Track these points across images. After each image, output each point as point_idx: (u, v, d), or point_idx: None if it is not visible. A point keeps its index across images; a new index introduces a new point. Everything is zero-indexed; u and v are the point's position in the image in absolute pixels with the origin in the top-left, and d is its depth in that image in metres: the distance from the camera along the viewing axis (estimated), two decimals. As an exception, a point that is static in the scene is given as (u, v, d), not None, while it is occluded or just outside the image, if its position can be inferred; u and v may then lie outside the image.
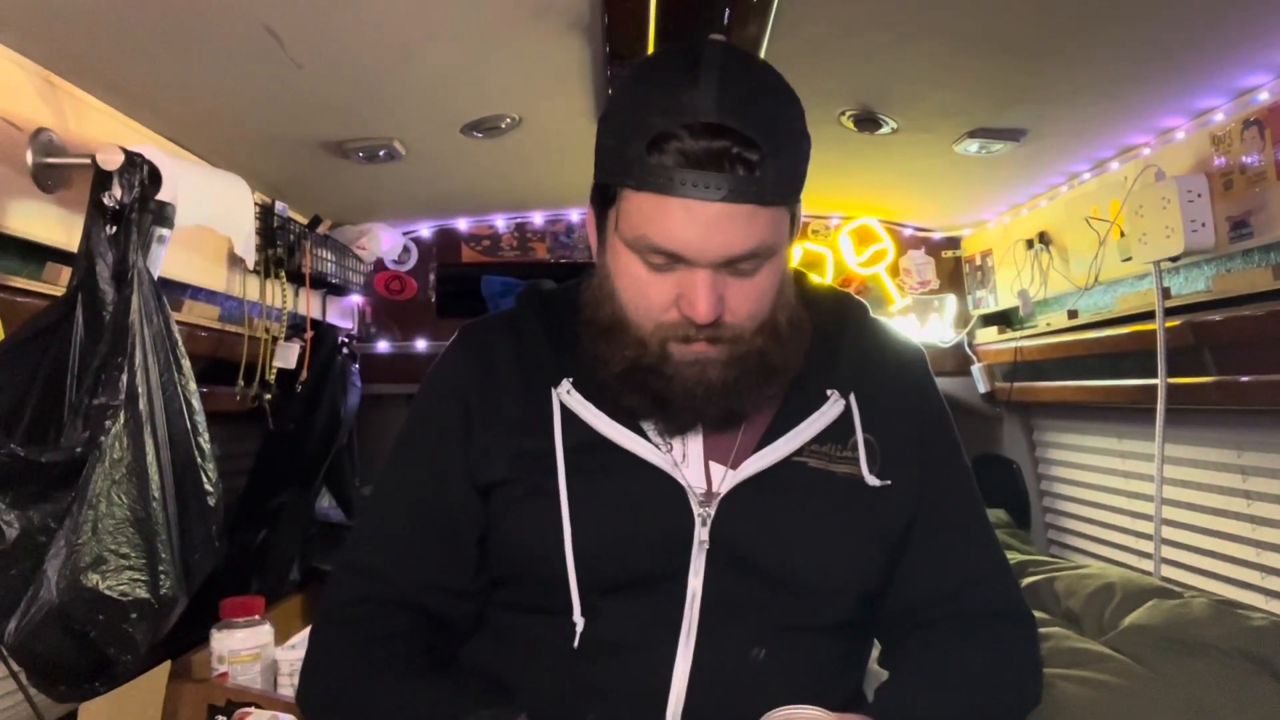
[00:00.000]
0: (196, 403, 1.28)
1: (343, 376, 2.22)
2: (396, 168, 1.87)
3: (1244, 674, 1.11)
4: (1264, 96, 1.41)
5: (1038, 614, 1.28)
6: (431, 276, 2.56)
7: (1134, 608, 1.35)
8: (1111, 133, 1.69)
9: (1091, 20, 1.25)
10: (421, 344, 2.55)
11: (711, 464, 0.95)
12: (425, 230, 2.55)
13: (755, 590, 0.93)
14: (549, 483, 0.93)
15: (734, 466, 0.95)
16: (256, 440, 2.04)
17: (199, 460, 1.26)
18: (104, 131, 1.36)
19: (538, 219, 2.54)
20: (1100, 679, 1.15)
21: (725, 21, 1.26)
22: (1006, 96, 1.55)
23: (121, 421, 1.14)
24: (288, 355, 1.97)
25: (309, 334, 2.06)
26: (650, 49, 1.32)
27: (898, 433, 0.99)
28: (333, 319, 2.33)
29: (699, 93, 0.81)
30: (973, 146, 1.77)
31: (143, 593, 1.14)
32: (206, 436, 1.29)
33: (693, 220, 0.83)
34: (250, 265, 1.64)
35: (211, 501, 1.27)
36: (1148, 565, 1.83)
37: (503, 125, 1.70)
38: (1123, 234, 1.75)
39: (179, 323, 1.31)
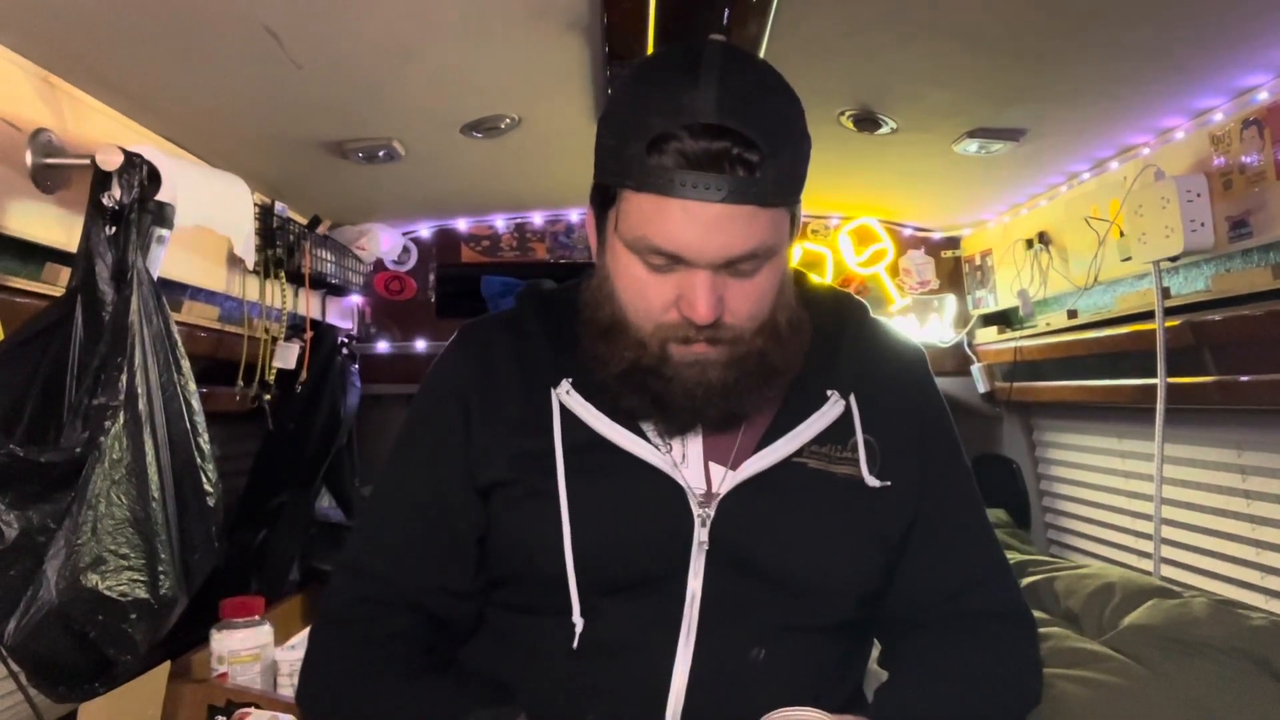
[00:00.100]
0: (196, 403, 1.28)
1: (342, 377, 2.21)
2: (396, 168, 1.87)
3: (1244, 674, 1.11)
4: (1263, 96, 1.41)
5: (1037, 614, 1.28)
6: (431, 277, 2.56)
7: (1134, 607, 1.35)
8: (1111, 132, 1.69)
9: (1091, 20, 1.25)
10: (421, 344, 2.55)
11: (711, 465, 0.95)
12: (425, 230, 2.54)
13: (755, 591, 0.93)
14: (548, 483, 0.93)
15: (734, 467, 0.95)
16: (256, 440, 2.03)
17: (199, 460, 1.26)
18: (103, 132, 1.36)
19: (537, 219, 2.54)
20: (1100, 679, 1.15)
21: (725, 21, 1.26)
22: (1006, 96, 1.55)
23: (121, 422, 1.14)
24: (287, 355, 1.97)
25: (309, 334, 2.06)
26: (650, 49, 1.32)
27: (898, 433, 0.99)
28: (332, 319, 2.33)
29: (699, 93, 0.81)
30: (972, 146, 1.77)
31: (142, 593, 1.14)
32: (206, 437, 1.29)
33: (692, 221, 0.83)
34: (250, 265, 1.64)
35: (211, 502, 1.27)
36: (1147, 565, 1.83)
37: (502, 125, 1.70)
38: (1122, 234, 1.75)
39: (179, 323, 1.31)
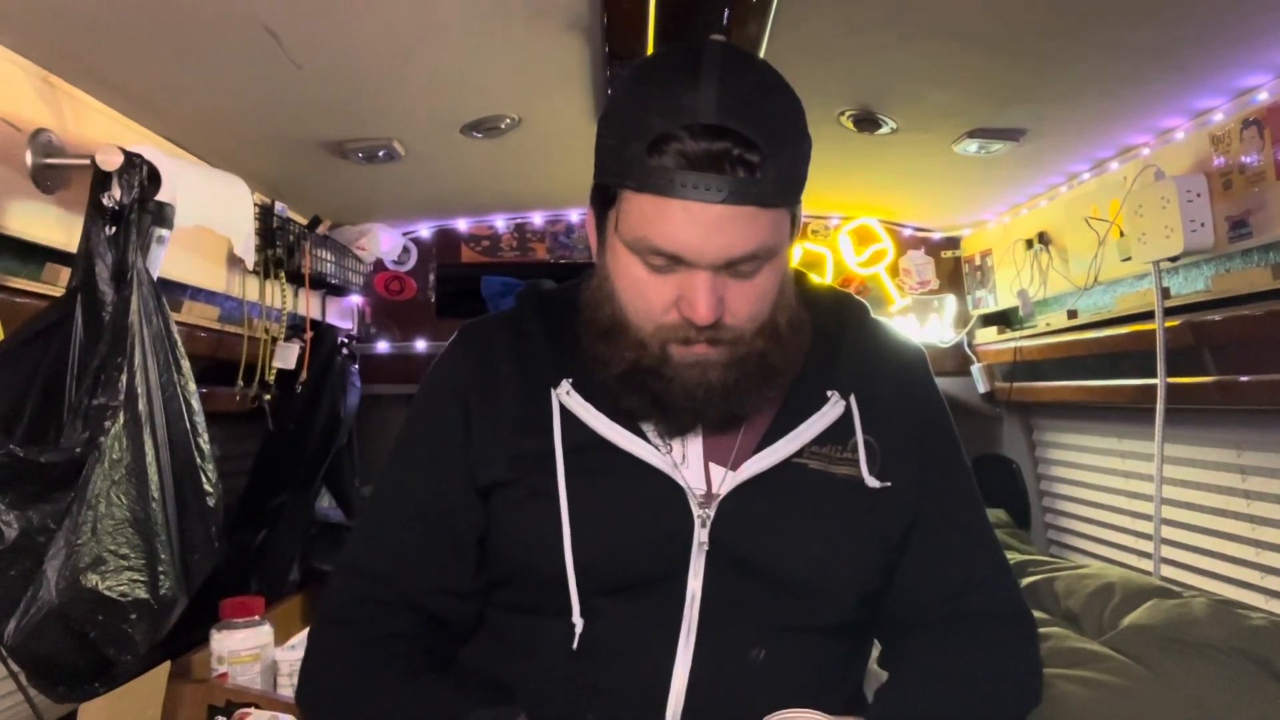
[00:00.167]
0: (196, 403, 1.28)
1: (342, 377, 2.22)
2: (396, 168, 1.87)
3: (1244, 674, 1.11)
4: (1263, 96, 1.41)
5: (1037, 614, 1.28)
6: (431, 277, 2.56)
7: (1134, 607, 1.35)
8: (1111, 133, 1.69)
9: (1092, 20, 1.25)
10: (421, 344, 2.55)
11: (711, 465, 0.95)
12: (425, 230, 2.54)
13: (755, 591, 0.93)
14: (548, 484, 0.93)
15: (734, 468, 0.95)
16: (256, 440, 2.03)
17: (198, 460, 1.26)
18: (103, 132, 1.36)
19: (537, 219, 2.54)
20: (1100, 679, 1.15)
21: (725, 21, 1.26)
22: (1006, 96, 1.55)
23: (121, 422, 1.14)
24: (287, 355, 1.97)
25: (309, 334, 2.06)
26: (650, 49, 1.32)
27: (898, 434, 0.99)
28: (332, 319, 2.33)
29: (699, 94, 0.81)
30: (972, 146, 1.77)
31: (142, 593, 1.14)
32: (206, 437, 1.29)
33: (693, 222, 0.83)
34: (250, 266, 1.64)
35: (211, 502, 1.27)
36: (1147, 565, 1.83)
37: (502, 125, 1.70)
38: (1122, 234, 1.75)
39: (179, 323, 1.31)
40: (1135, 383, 1.78)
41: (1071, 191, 2.00)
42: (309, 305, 2.05)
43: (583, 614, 0.92)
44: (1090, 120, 1.64)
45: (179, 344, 1.26)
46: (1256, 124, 1.41)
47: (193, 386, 1.28)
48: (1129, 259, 1.73)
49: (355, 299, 2.51)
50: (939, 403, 1.06)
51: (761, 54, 1.33)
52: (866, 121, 1.69)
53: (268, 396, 1.89)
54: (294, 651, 1.53)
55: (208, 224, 1.40)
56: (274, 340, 1.92)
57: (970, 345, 2.54)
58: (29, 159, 1.21)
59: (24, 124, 1.20)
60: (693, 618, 0.91)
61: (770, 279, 0.89)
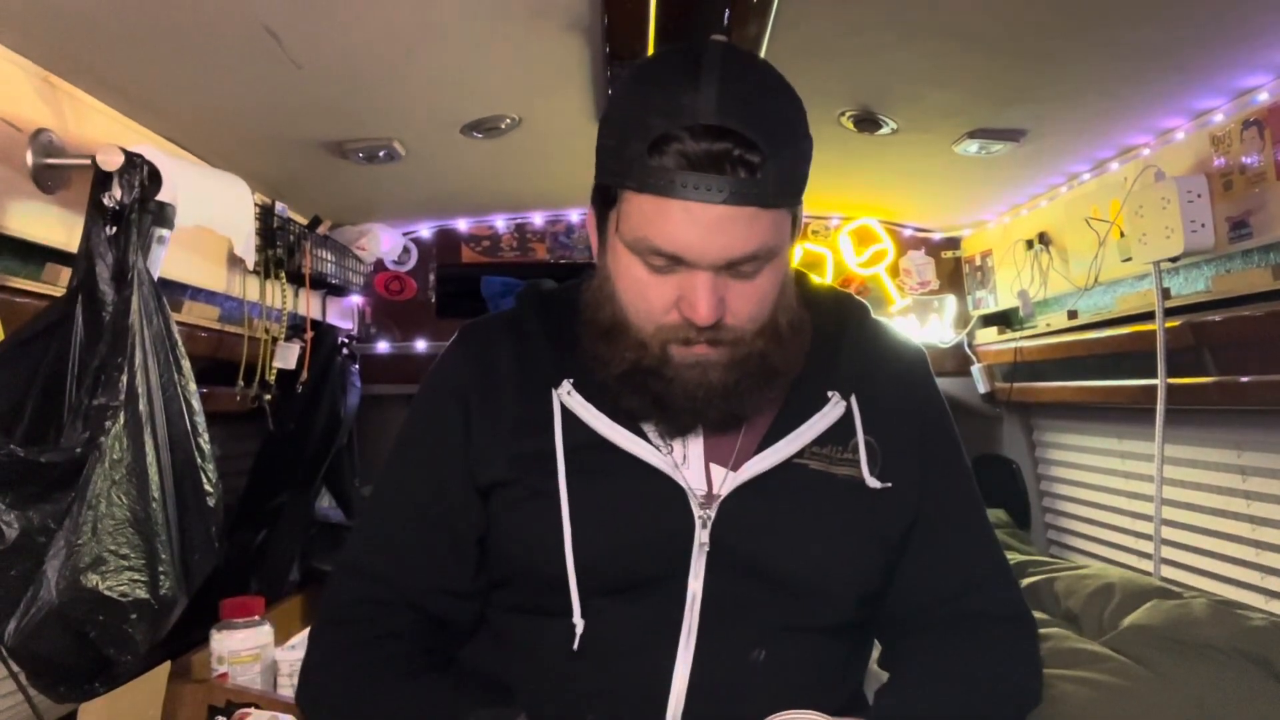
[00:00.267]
0: (196, 403, 1.28)
1: (342, 377, 2.22)
2: (396, 168, 1.87)
3: (1244, 674, 1.11)
4: (1264, 97, 1.41)
5: (1037, 614, 1.28)
6: (431, 277, 2.56)
7: (1134, 608, 1.35)
8: (1111, 133, 1.69)
9: (1092, 20, 1.25)
10: (421, 344, 2.55)
11: (712, 466, 0.95)
12: (425, 230, 2.55)
13: (755, 592, 0.93)
14: (549, 484, 0.93)
15: (734, 468, 0.94)
16: (256, 440, 2.04)
17: (199, 460, 1.26)
18: (104, 132, 1.36)
19: (538, 219, 2.54)
20: (1100, 679, 1.16)
21: (725, 22, 1.26)
22: (1006, 96, 1.55)
23: (121, 422, 1.14)
24: (288, 356, 1.97)
25: (309, 334, 2.06)
26: (650, 49, 1.32)
27: (898, 434, 0.99)
28: (333, 319, 2.33)
29: (700, 94, 0.81)
30: (972, 147, 1.77)
31: (142, 593, 1.14)
32: (206, 437, 1.29)
33: (694, 222, 0.83)
34: (250, 266, 1.64)
35: (211, 502, 1.27)
36: (1147, 565, 1.83)
37: (503, 125, 1.70)
38: (1122, 234, 1.75)
39: (179, 323, 1.31)
40: (1135, 383, 1.78)
41: (1072, 192, 2.00)
42: (309, 305, 2.05)
43: (583, 614, 0.92)
44: (1090, 120, 1.64)
45: (179, 344, 1.26)
46: (1257, 124, 1.41)
47: (193, 386, 1.28)
48: (1129, 259, 1.73)
49: (355, 299, 2.51)
50: (939, 403, 1.06)
51: (762, 54, 1.33)
52: (867, 122, 1.69)
53: (268, 396, 1.89)
54: (294, 651, 1.53)
55: (208, 224, 1.40)
56: (274, 340, 1.92)
57: (970, 345, 2.54)
58: (29, 159, 1.21)
59: (24, 124, 1.20)
60: (693, 618, 0.91)
61: (771, 279, 0.89)
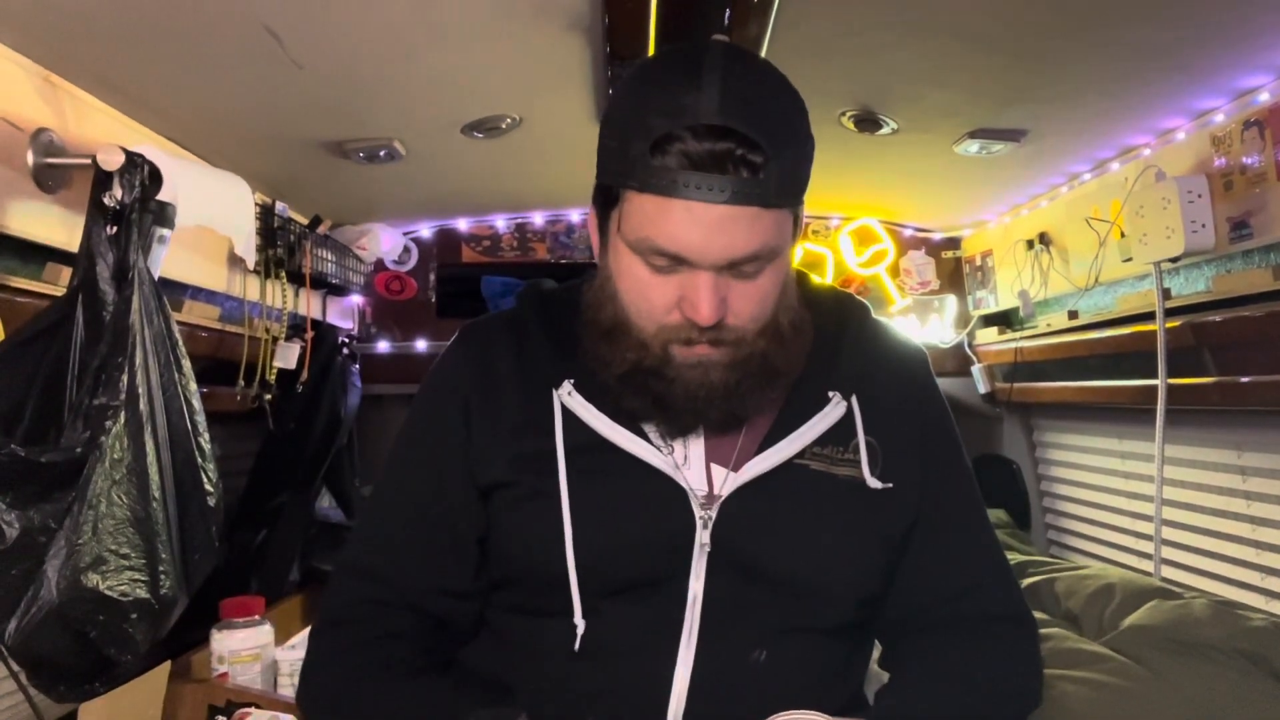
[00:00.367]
0: (197, 403, 1.28)
1: (343, 377, 2.22)
2: (396, 168, 1.87)
3: (1244, 674, 1.11)
4: (1264, 97, 1.41)
5: (1038, 614, 1.28)
6: (431, 277, 2.56)
7: (1134, 608, 1.35)
8: (1111, 133, 1.69)
9: (1092, 20, 1.25)
10: (421, 344, 2.55)
11: (713, 466, 0.95)
12: (425, 230, 2.54)
13: (756, 593, 0.93)
14: (549, 484, 0.93)
15: (735, 469, 0.94)
16: (256, 440, 2.04)
17: (199, 460, 1.26)
18: (104, 131, 1.36)
19: (538, 219, 2.54)
20: (1100, 679, 1.16)
21: (726, 22, 1.26)
22: (1006, 96, 1.55)
23: (121, 421, 1.14)
24: (288, 355, 1.97)
25: (309, 334, 2.06)
26: (651, 49, 1.32)
27: (899, 434, 0.99)
28: (333, 319, 2.33)
29: (701, 94, 0.81)
30: (973, 147, 1.77)
31: (143, 593, 1.14)
32: (207, 436, 1.29)
33: (695, 222, 0.83)
34: (250, 265, 1.64)
35: (211, 501, 1.27)
36: (1148, 566, 1.83)
37: (503, 125, 1.70)
38: (1123, 234, 1.75)
39: (179, 323, 1.31)
40: (1136, 383, 1.78)
41: (1072, 192, 2.00)
42: (309, 305, 2.05)
43: (584, 615, 0.92)
44: (1091, 120, 1.64)
45: (180, 344, 1.26)
46: (1257, 125, 1.41)
47: (193, 386, 1.28)
48: (1130, 260, 1.73)
49: (356, 299, 2.51)
50: (940, 403, 1.06)
51: (762, 54, 1.33)
52: (867, 122, 1.69)
53: (268, 396, 1.89)
54: (294, 651, 1.53)
55: (209, 224, 1.40)
56: (274, 340, 1.92)
57: (971, 346, 2.54)
58: (30, 158, 1.21)
59: (25, 123, 1.20)
60: (694, 619, 0.91)
61: (772, 279, 0.89)
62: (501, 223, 2.55)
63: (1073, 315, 2.04)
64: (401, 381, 2.47)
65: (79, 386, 1.15)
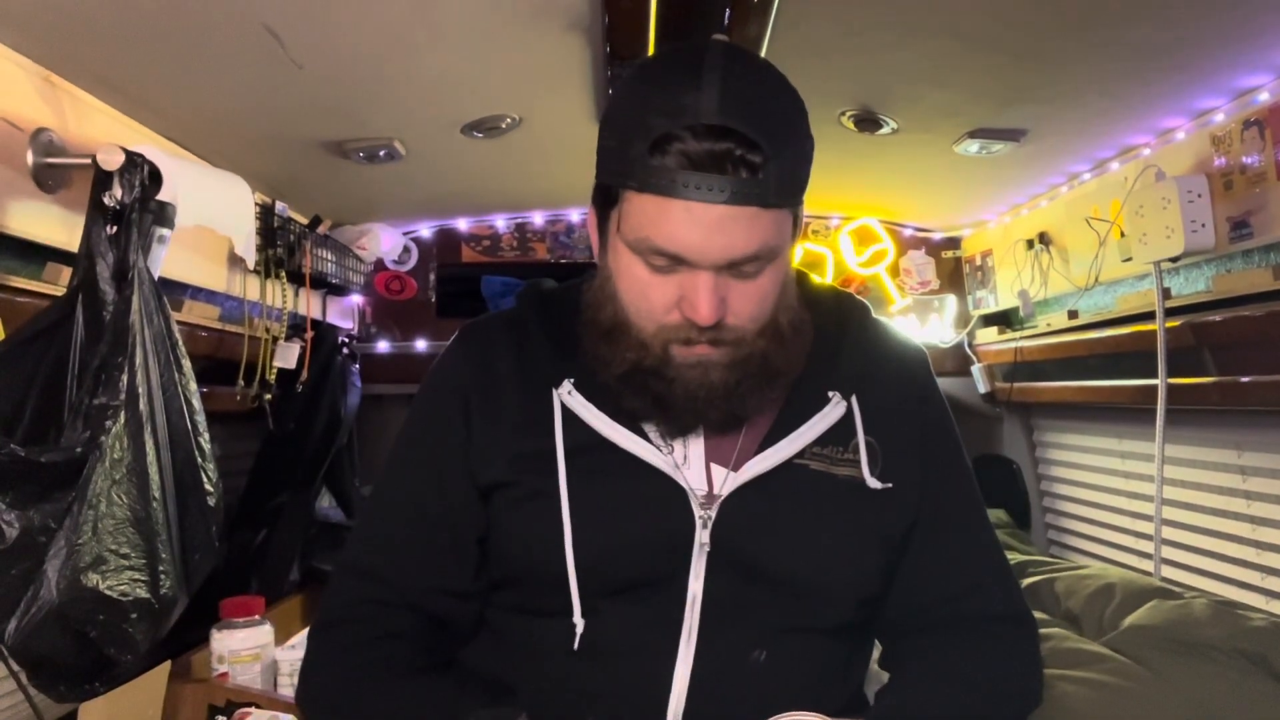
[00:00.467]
0: (197, 403, 1.28)
1: (343, 376, 2.22)
2: (396, 168, 1.87)
3: (1244, 674, 1.11)
4: (1264, 97, 1.41)
5: (1038, 614, 1.28)
6: (431, 276, 2.56)
7: (1134, 608, 1.35)
8: (1111, 133, 1.69)
9: (1092, 20, 1.25)
10: (421, 344, 2.55)
11: (713, 466, 0.95)
12: (425, 230, 2.55)
13: (756, 593, 0.93)
14: (549, 484, 0.93)
15: (735, 469, 0.94)
16: (256, 440, 2.04)
17: (199, 460, 1.26)
18: (104, 131, 1.36)
19: (538, 219, 2.54)
20: (1100, 679, 1.16)
21: (726, 22, 1.26)
22: (1006, 96, 1.55)
23: (121, 421, 1.14)
24: (288, 355, 1.97)
25: (309, 334, 2.06)
26: (651, 49, 1.32)
27: (899, 434, 0.99)
28: (333, 319, 2.33)
29: (701, 94, 0.81)
30: (973, 147, 1.77)
31: (143, 593, 1.14)
32: (207, 436, 1.29)
33: (695, 222, 0.83)
34: (250, 265, 1.64)
35: (211, 501, 1.27)
36: (1148, 565, 1.83)
37: (503, 125, 1.70)
38: (1123, 234, 1.75)
39: (179, 323, 1.31)
40: (1136, 383, 1.78)
41: (1072, 192, 2.00)
42: (309, 305, 2.05)
43: (583, 615, 0.92)
44: (1091, 120, 1.64)
45: (180, 343, 1.26)
46: (1257, 124, 1.41)
47: (193, 386, 1.28)
48: (1130, 259, 1.73)
49: (356, 299, 2.51)
50: (940, 403, 1.06)
51: (762, 54, 1.33)
52: (867, 121, 1.69)
53: (268, 396, 1.89)
54: (294, 651, 1.53)
55: (209, 223, 1.40)
56: (274, 340, 1.92)
57: (971, 345, 2.54)
58: (30, 158, 1.21)
59: (25, 123, 1.20)
60: (694, 619, 0.91)
61: (772, 279, 0.89)
62: (501, 223, 2.55)
63: (1073, 315, 2.04)
64: (401, 381, 2.47)
65: (79, 386, 1.15)
